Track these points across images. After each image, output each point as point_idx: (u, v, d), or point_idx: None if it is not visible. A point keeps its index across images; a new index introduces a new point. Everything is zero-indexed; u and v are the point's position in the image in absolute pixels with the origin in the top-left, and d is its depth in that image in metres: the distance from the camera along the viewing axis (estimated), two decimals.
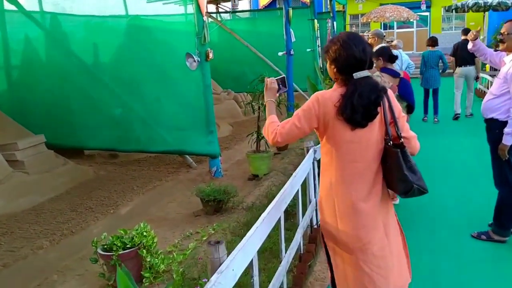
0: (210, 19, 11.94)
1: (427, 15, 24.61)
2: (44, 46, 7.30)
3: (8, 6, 6.90)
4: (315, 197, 3.95)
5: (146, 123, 6.52)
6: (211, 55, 5.67)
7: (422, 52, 9.95)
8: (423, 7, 23.10)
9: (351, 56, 2.16)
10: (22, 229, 4.36)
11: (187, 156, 6.52)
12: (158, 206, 5.04)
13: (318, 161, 3.75)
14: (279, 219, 2.74)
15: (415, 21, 21.42)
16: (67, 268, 3.68)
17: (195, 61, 5.64)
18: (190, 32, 5.82)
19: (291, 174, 5.78)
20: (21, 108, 6.90)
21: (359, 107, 2.13)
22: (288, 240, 3.20)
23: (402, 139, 2.24)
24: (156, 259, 3.34)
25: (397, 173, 2.21)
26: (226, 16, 14.21)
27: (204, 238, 4.04)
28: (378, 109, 2.20)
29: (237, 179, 5.93)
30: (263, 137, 5.81)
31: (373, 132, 2.23)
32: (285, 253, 2.90)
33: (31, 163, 5.74)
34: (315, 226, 3.99)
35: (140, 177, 6.05)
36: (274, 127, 2.32)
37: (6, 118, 6.29)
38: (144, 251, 3.28)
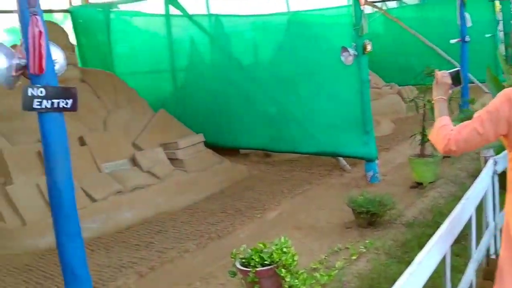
0: (373, 9, 11.18)
1: None
2: (206, 48, 7.57)
3: (173, 10, 7.31)
4: (494, 220, 3.15)
5: (298, 122, 6.28)
6: (369, 48, 5.12)
7: None
8: None
9: None
10: (175, 229, 4.47)
11: (340, 158, 6.07)
12: (307, 213, 4.72)
13: (500, 175, 2.99)
14: (444, 257, 2.15)
15: None
16: (211, 275, 3.59)
17: (350, 55, 5.16)
18: (347, 24, 5.38)
19: (464, 184, 4.95)
20: (184, 108, 7.29)
21: None
22: (455, 270, 2.57)
23: None
24: (297, 280, 3.01)
25: None
26: (392, 4, 13.24)
27: (354, 257, 3.58)
28: None
29: (396, 186, 5.27)
30: (428, 140, 5.04)
31: None
32: None
33: (190, 161, 5.97)
34: (493, 257, 3.19)
35: (291, 179, 5.83)
36: (446, 131, 1.83)
37: (171, 118, 6.68)
38: (283, 270, 2.98)
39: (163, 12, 7.39)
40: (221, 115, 7.18)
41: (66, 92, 2.37)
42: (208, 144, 6.53)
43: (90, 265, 3.68)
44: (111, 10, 7.96)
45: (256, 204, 4.97)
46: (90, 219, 4.66)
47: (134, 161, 5.67)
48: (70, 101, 2.36)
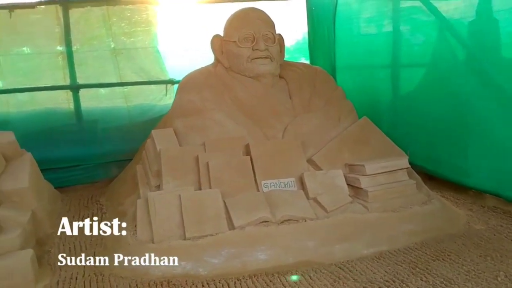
0: None
1: None
2: (451, 38, 5.48)
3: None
4: None
5: None
6: None
7: None
8: None
9: None
10: None
11: None
12: None
13: None
14: None
15: None
16: None
17: None
18: None
19: None
20: (400, 117, 5.51)
21: None
22: None
23: None
24: None
25: None
26: None
27: None
28: None
29: None
30: None
31: None
32: None
33: (378, 195, 4.33)
34: None
35: None
36: None
37: (374, 130, 5.07)
38: None
39: None
40: (454, 133, 5.08)
41: None
42: (420, 170, 4.71)
43: None
44: None
45: None
46: (215, 251, 3.75)
47: (302, 183, 4.49)
48: None
